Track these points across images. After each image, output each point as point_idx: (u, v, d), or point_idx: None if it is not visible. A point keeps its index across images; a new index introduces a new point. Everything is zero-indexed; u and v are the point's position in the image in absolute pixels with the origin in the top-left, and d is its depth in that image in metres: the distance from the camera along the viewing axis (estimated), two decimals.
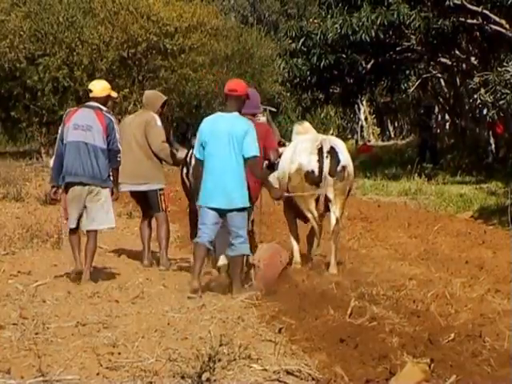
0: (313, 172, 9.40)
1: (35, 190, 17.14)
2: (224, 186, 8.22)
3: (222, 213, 8.28)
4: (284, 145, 10.07)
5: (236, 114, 8.39)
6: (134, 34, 28.86)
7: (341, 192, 9.48)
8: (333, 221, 9.46)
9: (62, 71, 27.95)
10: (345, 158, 9.55)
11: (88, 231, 9.05)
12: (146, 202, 10.33)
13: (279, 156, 9.55)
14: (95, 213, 8.94)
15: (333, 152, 9.45)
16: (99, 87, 9.21)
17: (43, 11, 28.36)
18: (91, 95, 9.11)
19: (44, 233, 11.45)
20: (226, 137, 8.25)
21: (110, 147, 8.96)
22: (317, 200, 9.44)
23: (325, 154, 9.40)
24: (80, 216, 8.96)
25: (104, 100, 9.13)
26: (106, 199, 8.97)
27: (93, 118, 8.93)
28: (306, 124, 10.35)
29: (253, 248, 8.82)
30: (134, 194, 10.45)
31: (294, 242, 9.82)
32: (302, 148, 9.55)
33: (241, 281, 8.36)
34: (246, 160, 8.27)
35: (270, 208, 14.01)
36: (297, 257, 9.69)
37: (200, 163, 8.39)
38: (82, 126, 8.90)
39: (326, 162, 9.37)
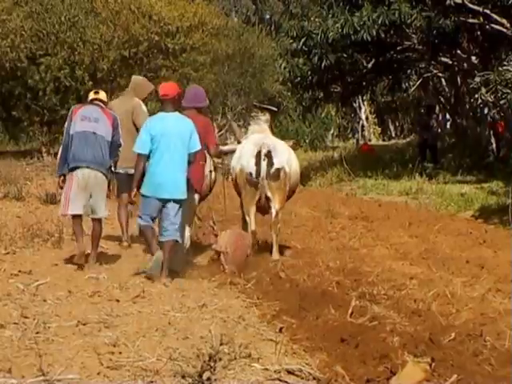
0: (251, 174, 10.39)
1: (36, 190, 17.12)
2: (175, 178, 9.18)
3: (164, 202, 9.17)
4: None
5: (177, 113, 9.41)
6: (135, 33, 28.85)
7: (276, 191, 10.42)
8: (273, 215, 10.45)
9: (64, 71, 27.92)
10: (280, 161, 10.45)
11: (93, 218, 9.83)
12: (128, 185, 10.65)
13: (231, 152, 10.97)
14: (96, 202, 9.68)
15: (269, 156, 10.36)
16: (104, 94, 10.09)
17: (45, 11, 28.34)
18: (98, 96, 9.89)
19: (45, 232, 11.45)
20: (175, 135, 9.21)
21: (114, 140, 9.74)
22: (258, 200, 10.41)
23: (262, 157, 10.35)
24: (86, 205, 9.64)
25: (105, 104, 9.98)
26: (105, 189, 9.82)
27: (99, 112, 9.72)
28: (264, 126, 11.29)
29: (214, 237, 9.83)
30: (122, 176, 10.96)
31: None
32: (246, 150, 10.57)
33: (168, 265, 9.09)
34: (191, 154, 9.28)
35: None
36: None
37: (144, 158, 9.24)
38: (89, 118, 9.64)
39: (263, 165, 10.33)
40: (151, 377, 5.43)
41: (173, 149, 9.18)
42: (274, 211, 10.45)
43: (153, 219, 9.29)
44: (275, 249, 10.39)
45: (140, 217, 9.30)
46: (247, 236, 10.03)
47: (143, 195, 9.27)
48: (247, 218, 10.48)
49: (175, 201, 9.19)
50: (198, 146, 9.33)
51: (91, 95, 9.99)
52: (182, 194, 9.25)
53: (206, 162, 10.15)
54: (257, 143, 10.59)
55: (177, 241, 9.29)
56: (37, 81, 27.80)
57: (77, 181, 9.54)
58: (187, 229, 9.96)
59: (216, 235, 9.89)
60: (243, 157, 10.55)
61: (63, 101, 27.79)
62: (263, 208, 10.58)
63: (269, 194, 10.38)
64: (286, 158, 10.65)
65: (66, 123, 9.84)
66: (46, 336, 6.42)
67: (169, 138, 9.18)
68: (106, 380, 5.43)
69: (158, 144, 9.18)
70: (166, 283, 8.83)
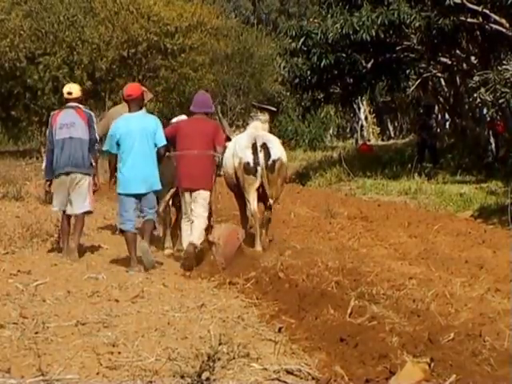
0: (248, 164, 10.92)
1: (35, 190, 17.13)
2: (144, 173, 9.84)
3: (138, 196, 9.86)
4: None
5: (142, 112, 10.10)
6: (134, 33, 28.88)
7: (273, 182, 10.97)
8: (266, 206, 11.04)
9: (63, 70, 27.95)
10: (276, 152, 11.05)
11: (75, 215, 10.51)
12: None
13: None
14: (74, 199, 10.42)
15: (265, 147, 10.96)
16: (77, 89, 10.80)
17: (44, 10, 28.36)
18: (71, 97, 10.66)
19: (44, 232, 11.47)
20: (141, 132, 9.89)
21: (91, 137, 10.50)
22: (258, 189, 10.94)
23: (258, 149, 10.92)
24: (66, 201, 10.42)
25: (80, 99, 10.74)
26: (86, 187, 10.43)
27: (74, 115, 10.52)
28: (258, 123, 11.72)
29: (209, 228, 10.31)
30: None
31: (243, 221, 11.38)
32: (240, 143, 11.13)
33: (149, 241, 9.84)
34: (159, 149, 9.96)
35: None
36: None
37: (114, 156, 10.03)
38: (66, 125, 10.47)
39: (260, 156, 10.89)
40: (150, 377, 5.43)
41: (137, 146, 9.87)
42: (268, 203, 11.03)
43: (132, 217, 9.92)
44: (258, 242, 10.82)
45: (121, 215, 9.94)
46: (241, 232, 10.42)
47: (118, 193, 9.97)
48: (248, 204, 10.95)
49: (145, 194, 9.88)
50: (164, 141, 9.98)
51: (65, 94, 10.74)
52: (151, 187, 9.92)
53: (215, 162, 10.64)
54: (251, 136, 11.18)
55: (154, 223, 10.12)
56: (36, 80, 27.82)
57: (56, 183, 10.53)
58: (202, 227, 10.23)
59: (211, 226, 10.35)
60: (239, 149, 11.06)
61: (62, 100, 27.74)
62: (261, 197, 11.08)
63: (265, 185, 10.89)
64: (281, 150, 11.30)
65: (48, 130, 10.79)
66: (45, 336, 6.42)
67: (133, 137, 9.87)
68: (105, 380, 5.43)
69: (123, 143, 9.90)
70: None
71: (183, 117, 11.84)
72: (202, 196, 10.19)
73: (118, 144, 9.96)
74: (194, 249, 9.95)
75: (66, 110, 10.63)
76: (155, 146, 9.95)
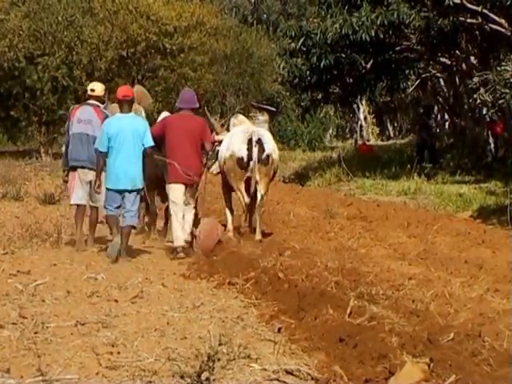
0: (242, 158, 11.47)
1: (34, 190, 17.13)
2: (132, 171, 10.40)
3: (124, 193, 10.43)
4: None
5: (132, 114, 10.63)
6: (133, 33, 28.89)
7: (265, 175, 11.58)
8: (258, 197, 11.55)
9: (61, 70, 27.96)
10: (269, 147, 11.64)
11: (91, 206, 11.15)
12: None
13: (219, 143, 11.87)
14: (93, 193, 10.89)
15: (260, 142, 11.51)
16: (100, 88, 11.26)
17: (42, 11, 28.36)
18: (93, 94, 11.13)
19: (43, 232, 11.46)
20: (130, 133, 10.40)
21: None
22: (247, 181, 11.52)
23: (253, 144, 11.44)
24: (86, 196, 10.98)
25: (102, 98, 11.22)
26: (101, 183, 10.68)
27: (92, 113, 10.97)
28: (241, 117, 12.67)
29: (195, 222, 10.97)
30: None
31: (228, 213, 11.90)
32: (236, 138, 11.61)
33: (127, 246, 10.46)
34: (146, 149, 10.44)
35: (270, 207, 14.05)
36: (229, 226, 11.77)
37: (104, 155, 10.42)
38: (84, 121, 10.93)
39: (255, 150, 11.43)
40: (150, 377, 5.43)
41: (127, 145, 10.38)
42: (259, 195, 11.53)
43: (118, 207, 10.52)
44: (258, 230, 11.51)
45: (105, 207, 10.57)
46: (220, 228, 11.08)
47: (106, 188, 10.51)
48: (238, 193, 11.56)
49: (131, 191, 10.45)
50: (152, 143, 10.49)
51: (88, 91, 11.22)
52: (137, 185, 10.49)
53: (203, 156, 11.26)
54: (246, 131, 11.69)
55: (134, 227, 10.78)
56: (35, 81, 27.83)
57: (78, 177, 10.99)
58: (192, 220, 10.92)
59: (198, 219, 11.07)
60: (234, 143, 11.55)
61: (61, 101, 27.81)
62: (249, 190, 11.58)
63: (257, 178, 11.47)
64: (273, 144, 11.86)
65: (67, 123, 11.30)
66: (45, 336, 6.41)
67: (124, 136, 10.39)
68: (105, 380, 5.43)
69: (115, 142, 10.39)
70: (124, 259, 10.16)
71: (167, 113, 12.44)
72: (191, 189, 10.80)
73: (108, 141, 10.42)
74: (186, 243, 10.74)
75: (85, 106, 11.13)
76: (143, 146, 10.44)
